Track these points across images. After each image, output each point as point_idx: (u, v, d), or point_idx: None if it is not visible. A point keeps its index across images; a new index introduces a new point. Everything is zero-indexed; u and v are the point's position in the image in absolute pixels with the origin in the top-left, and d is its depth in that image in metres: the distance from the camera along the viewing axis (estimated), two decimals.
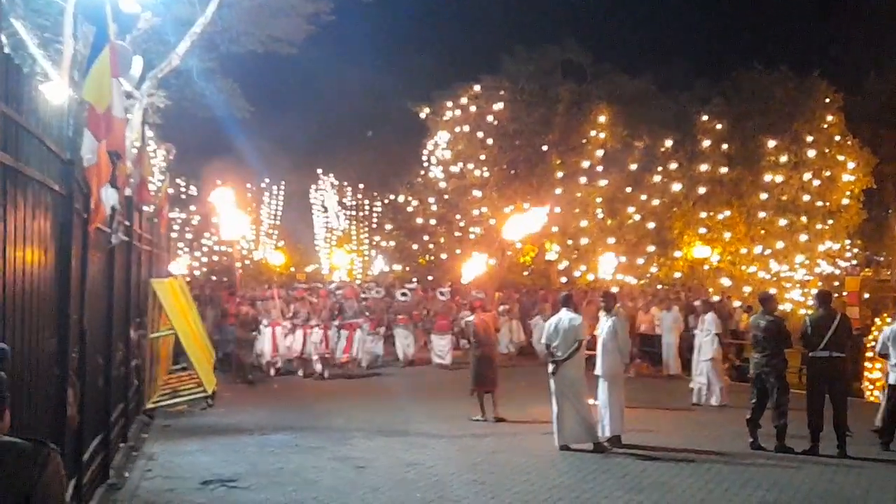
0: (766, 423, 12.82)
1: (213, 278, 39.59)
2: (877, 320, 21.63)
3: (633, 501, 9.60)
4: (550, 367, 12.97)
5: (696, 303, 21.45)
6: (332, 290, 26.62)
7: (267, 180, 50.75)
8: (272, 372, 22.23)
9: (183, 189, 46.26)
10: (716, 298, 27.95)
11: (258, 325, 22.30)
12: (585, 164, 35.26)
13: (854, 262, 34.55)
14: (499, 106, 38.39)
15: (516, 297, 29.85)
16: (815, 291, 18.41)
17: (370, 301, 25.85)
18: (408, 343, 25.09)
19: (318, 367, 22.04)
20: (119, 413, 11.54)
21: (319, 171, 51.26)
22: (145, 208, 14.84)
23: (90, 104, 7.50)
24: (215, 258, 46.96)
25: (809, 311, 17.90)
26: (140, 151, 14.23)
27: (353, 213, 52.25)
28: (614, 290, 23.58)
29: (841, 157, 33.33)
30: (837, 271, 33.28)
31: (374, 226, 50.47)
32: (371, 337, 23.94)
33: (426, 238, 41.94)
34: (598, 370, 13.39)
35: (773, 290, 15.91)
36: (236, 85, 28.22)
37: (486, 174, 38.49)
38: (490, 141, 38.57)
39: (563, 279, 36.10)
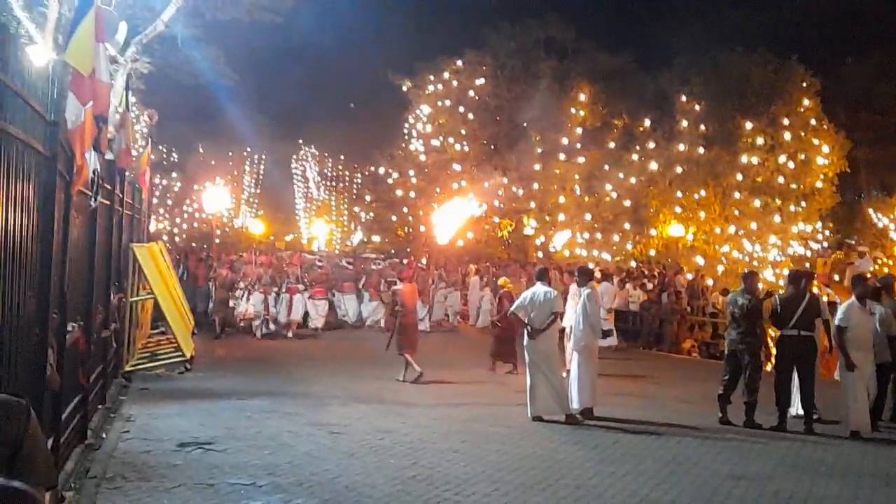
0: (734, 398, 13.05)
1: (194, 245, 39.67)
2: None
3: (603, 472, 9.74)
4: (525, 339, 13.13)
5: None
6: (279, 257, 28.71)
7: (249, 149, 50.66)
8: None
9: (165, 155, 46.14)
10: (689, 276, 28.30)
11: (235, 287, 23.93)
12: (564, 141, 35.36)
13: (825, 244, 34.85)
14: (480, 81, 38.50)
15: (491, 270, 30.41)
16: (787, 272, 18.66)
17: (325, 270, 27.51)
18: (352, 307, 26.83)
19: (265, 326, 23.70)
20: (97, 375, 11.61)
21: (301, 141, 51.22)
22: (127, 173, 14.87)
23: (74, 67, 7.53)
24: (196, 225, 46.91)
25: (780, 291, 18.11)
26: (123, 116, 14.23)
27: (334, 183, 52.28)
28: (591, 265, 23.81)
29: (816, 141, 33.56)
30: (809, 253, 33.58)
31: (354, 197, 50.50)
32: (319, 302, 25.32)
33: (405, 210, 42.04)
34: (570, 343, 13.56)
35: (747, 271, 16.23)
36: (221, 53, 28.18)
37: (467, 149, 38.58)
38: (471, 116, 38.64)
39: (540, 254, 36.30)
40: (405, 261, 28.71)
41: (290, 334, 24.01)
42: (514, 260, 36.00)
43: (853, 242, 33.96)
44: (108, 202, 11.92)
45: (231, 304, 23.93)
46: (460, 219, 19.74)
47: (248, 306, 23.68)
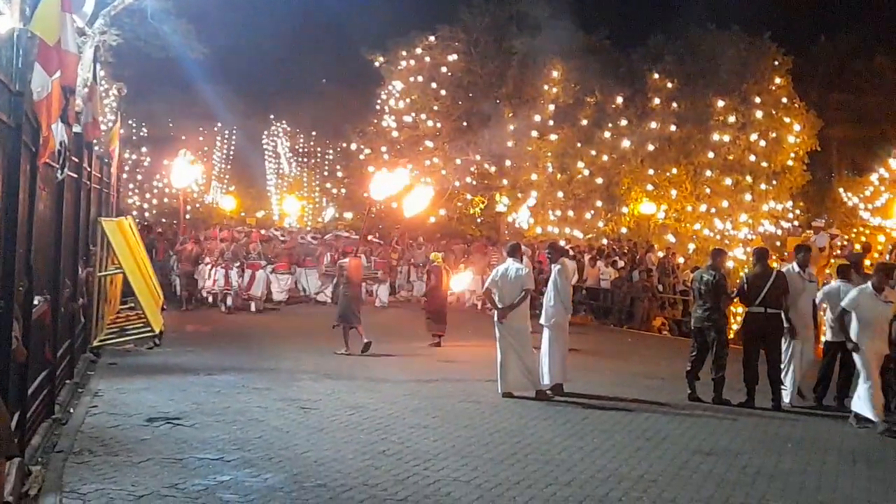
0: (703, 375, 13.13)
1: (163, 220, 39.56)
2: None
3: (572, 447, 9.79)
4: (496, 316, 13.13)
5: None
6: (245, 232, 29.17)
7: (219, 124, 50.32)
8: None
9: (134, 130, 45.75)
10: (660, 254, 28.42)
11: (199, 261, 24.42)
12: (537, 118, 35.32)
13: (796, 223, 35.08)
14: (453, 57, 38.32)
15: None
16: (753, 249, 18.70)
17: (287, 244, 28.07)
18: (314, 282, 27.39)
19: (226, 301, 24.04)
20: (65, 350, 11.55)
21: (272, 116, 50.95)
22: (96, 147, 14.74)
23: (40, 37, 7.43)
24: (165, 200, 46.62)
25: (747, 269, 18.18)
26: (91, 89, 14.09)
27: (305, 159, 52.05)
28: (561, 243, 23.89)
29: (787, 120, 33.76)
30: (779, 231, 33.80)
31: (326, 173, 50.33)
32: (283, 276, 25.86)
33: None
34: (542, 319, 13.58)
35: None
36: (191, 26, 27.93)
37: (439, 125, 38.45)
38: (443, 92, 38.50)
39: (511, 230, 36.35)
40: (348, 235, 29.39)
41: (252, 308, 24.22)
42: (486, 237, 36.04)
43: (819, 222, 34.20)
44: (75, 175, 11.81)
45: (196, 277, 24.43)
46: (397, 186, 19.95)
47: (210, 281, 24.17)
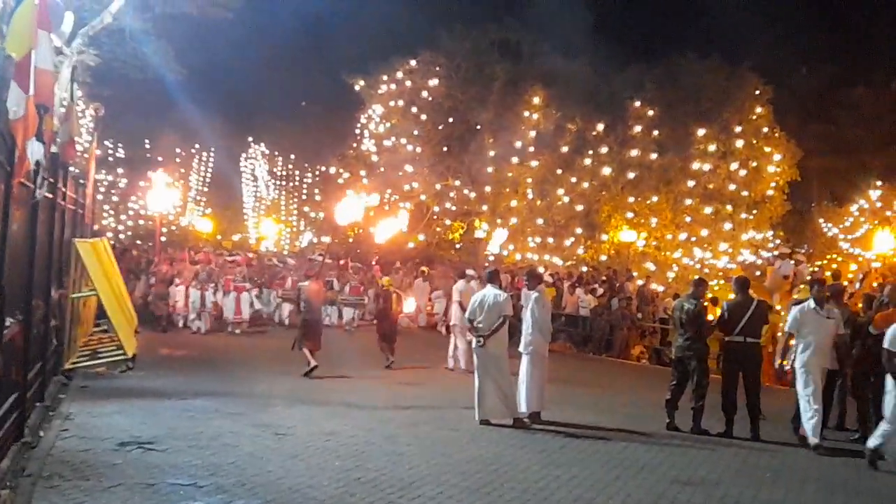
0: (682, 405, 13.08)
1: (139, 242, 39.31)
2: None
3: (549, 476, 9.72)
4: (475, 342, 13.06)
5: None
6: (218, 253, 30.05)
7: (197, 146, 50.06)
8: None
9: (111, 151, 45.45)
10: (640, 282, 28.41)
11: (172, 282, 24.80)
12: (518, 143, 35.36)
13: (776, 252, 35.12)
14: (434, 82, 38.35)
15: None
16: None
17: (253, 267, 28.78)
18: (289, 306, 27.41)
19: (196, 323, 24.58)
20: (36, 372, 11.38)
21: (251, 139, 50.77)
22: (71, 168, 14.61)
23: (15, 56, 7.36)
24: (141, 222, 46.27)
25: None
26: (68, 109, 13.99)
27: (284, 183, 51.85)
28: (540, 269, 23.86)
29: (767, 149, 33.94)
30: (759, 261, 33.87)
31: (304, 197, 50.19)
32: (258, 299, 26.34)
33: None
34: (520, 347, 13.52)
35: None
36: (170, 47, 27.86)
37: (419, 150, 38.43)
38: (424, 116, 38.51)
39: (491, 257, 36.26)
40: (313, 257, 29.81)
41: (238, 331, 24.59)
42: (465, 263, 35.98)
43: (789, 250, 34.23)
44: (50, 195, 11.68)
45: (168, 299, 24.71)
46: (358, 210, 20.11)
47: (182, 302, 24.57)
